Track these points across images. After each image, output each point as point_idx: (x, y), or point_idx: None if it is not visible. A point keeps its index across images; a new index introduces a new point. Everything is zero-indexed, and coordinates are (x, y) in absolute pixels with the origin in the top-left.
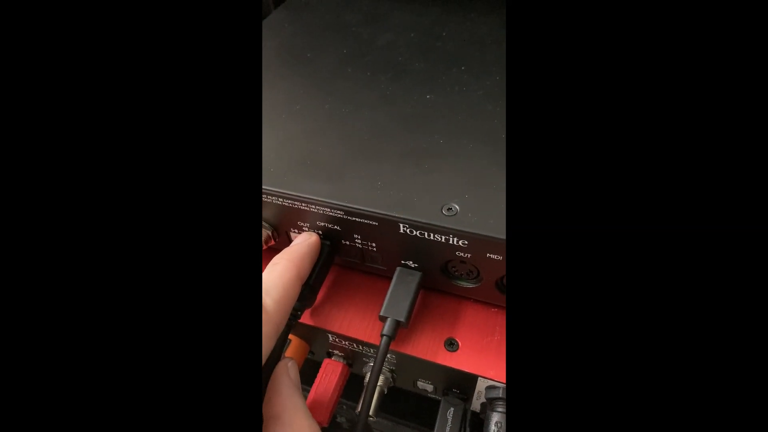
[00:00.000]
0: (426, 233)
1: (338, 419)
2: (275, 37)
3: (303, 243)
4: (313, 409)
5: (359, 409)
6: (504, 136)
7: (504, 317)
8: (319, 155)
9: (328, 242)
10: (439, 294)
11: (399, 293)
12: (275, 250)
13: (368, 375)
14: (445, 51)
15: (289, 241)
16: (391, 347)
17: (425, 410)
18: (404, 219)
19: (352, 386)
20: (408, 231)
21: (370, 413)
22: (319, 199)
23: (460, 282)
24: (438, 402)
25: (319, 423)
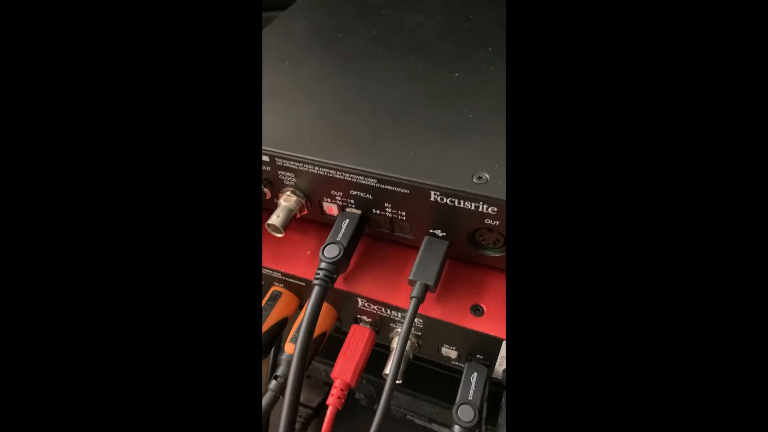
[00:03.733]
0: (456, 200)
1: (356, 395)
2: (304, 19)
3: None
4: (342, 371)
5: (387, 370)
6: None
7: None
8: (352, 128)
9: (359, 212)
10: (466, 264)
11: (427, 259)
12: (308, 221)
13: (396, 339)
14: (472, 32)
15: (321, 211)
16: (421, 311)
17: (443, 387)
18: (436, 186)
19: (373, 362)
20: (439, 199)
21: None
22: (354, 167)
23: (486, 251)
24: (453, 378)
25: (348, 384)
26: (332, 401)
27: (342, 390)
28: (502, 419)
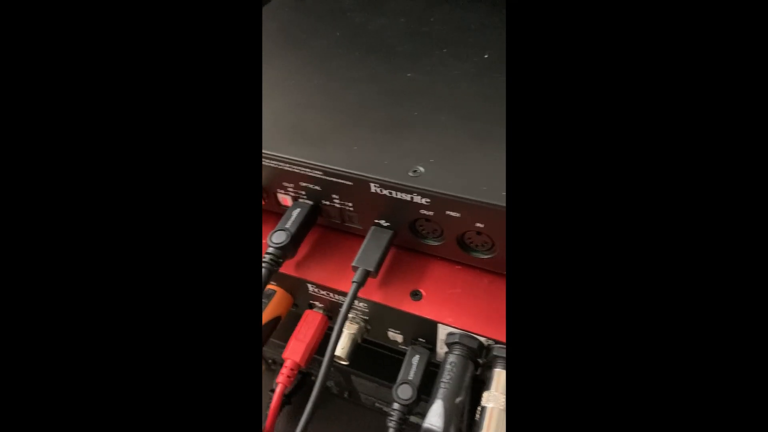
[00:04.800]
0: (394, 192)
1: (328, 383)
2: (275, 20)
3: None
4: (293, 352)
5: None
6: (476, 109)
7: (466, 273)
8: (306, 124)
9: (311, 202)
10: (410, 252)
11: (371, 247)
12: (265, 211)
13: (346, 323)
14: (431, 35)
15: (277, 202)
16: (362, 295)
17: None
18: (374, 179)
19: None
20: (378, 190)
21: (343, 356)
22: (302, 160)
23: (427, 240)
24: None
25: (298, 364)
26: (281, 379)
27: (292, 370)
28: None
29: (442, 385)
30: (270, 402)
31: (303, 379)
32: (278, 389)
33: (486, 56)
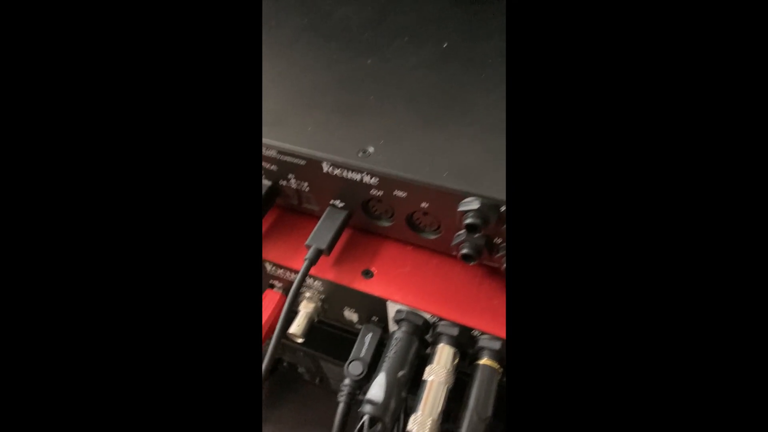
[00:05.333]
0: (344, 171)
1: (299, 369)
2: None
3: None
4: None
5: (291, 329)
6: (428, 96)
7: (416, 253)
8: (264, 107)
9: (269, 182)
10: (365, 234)
11: (325, 226)
12: None
13: (303, 302)
14: (394, 24)
15: None
16: (316, 274)
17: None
18: (325, 158)
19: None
20: (330, 170)
21: (298, 333)
22: None
23: (380, 221)
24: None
25: None
26: None
27: None
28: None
29: (386, 359)
30: None
31: (275, 365)
32: None
33: (444, 45)
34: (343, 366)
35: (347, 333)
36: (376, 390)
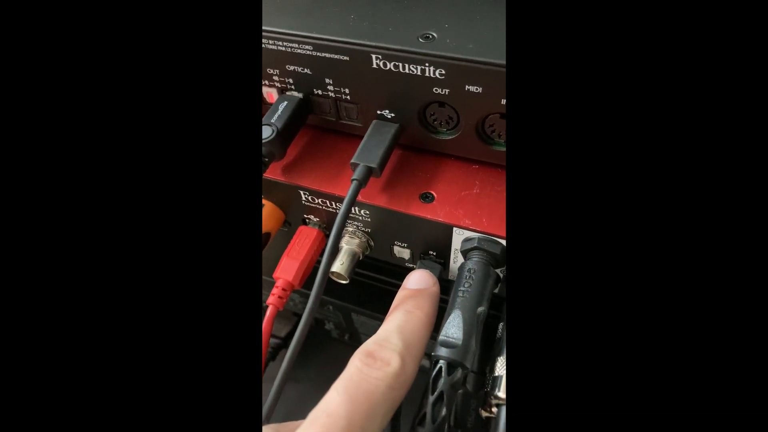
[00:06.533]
0: (401, 65)
1: (326, 326)
2: None
3: (433, 289)
4: (284, 270)
5: (333, 267)
6: None
7: (485, 172)
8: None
9: (300, 95)
10: (419, 153)
11: (373, 142)
12: None
13: (344, 238)
14: None
15: (263, 101)
16: (364, 200)
17: None
18: (377, 47)
19: (344, 289)
20: (382, 65)
21: (343, 273)
22: (289, 32)
23: (439, 134)
24: None
25: (291, 285)
26: (272, 300)
27: (284, 290)
28: None
29: (459, 293)
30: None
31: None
32: (269, 312)
33: None
34: (379, 319)
35: (381, 283)
36: (453, 330)
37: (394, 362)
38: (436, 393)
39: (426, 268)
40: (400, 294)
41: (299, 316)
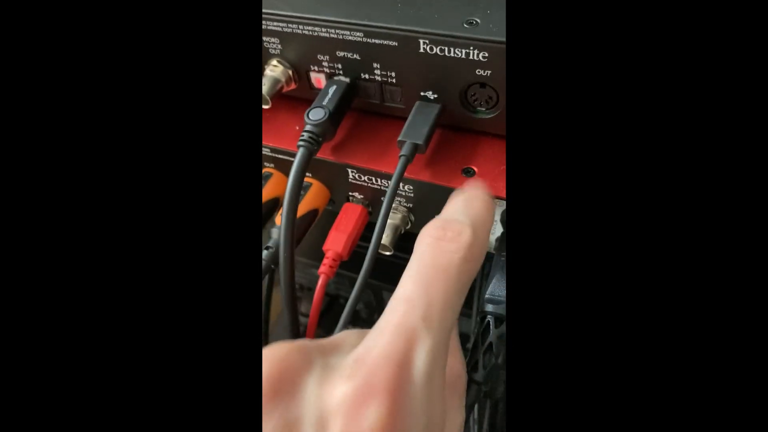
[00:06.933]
0: (447, 49)
1: (357, 307)
2: None
3: (489, 195)
4: (333, 242)
5: (372, 241)
6: None
7: None
8: None
9: (347, 79)
10: (458, 132)
11: (417, 121)
12: (297, 99)
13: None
14: None
15: (310, 85)
16: (409, 176)
17: None
18: (425, 33)
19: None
20: (428, 49)
21: (388, 244)
22: (341, 20)
23: (479, 114)
24: None
25: (340, 255)
26: (324, 269)
27: (334, 260)
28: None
29: (501, 257)
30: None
31: (331, 304)
32: (321, 280)
33: None
34: None
35: None
36: (497, 289)
37: (466, 232)
38: (485, 343)
39: None
40: (455, 194)
41: (332, 297)
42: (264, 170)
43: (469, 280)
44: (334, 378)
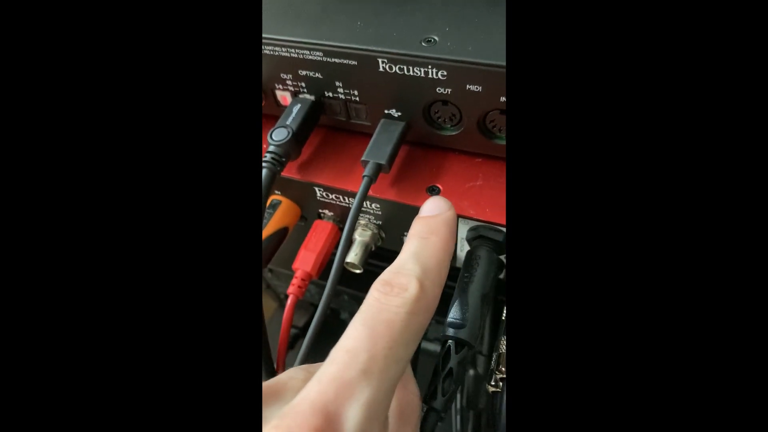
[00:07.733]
0: (405, 67)
1: (342, 316)
2: None
3: (448, 214)
4: (303, 261)
5: (348, 258)
6: None
7: (488, 165)
8: (301, 4)
9: (312, 97)
10: (425, 148)
11: (381, 140)
12: (268, 117)
13: (357, 230)
14: None
15: (276, 102)
16: (375, 194)
17: None
18: (383, 52)
19: (357, 279)
20: (387, 68)
21: (356, 263)
22: (300, 40)
23: (443, 131)
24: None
25: (309, 274)
26: (292, 290)
27: (303, 280)
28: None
29: (465, 278)
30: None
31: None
32: (290, 301)
33: None
34: None
35: None
36: (459, 312)
37: (412, 287)
38: (446, 370)
39: None
40: (414, 224)
41: (316, 307)
42: (272, 198)
43: (419, 330)
44: (266, 428)
